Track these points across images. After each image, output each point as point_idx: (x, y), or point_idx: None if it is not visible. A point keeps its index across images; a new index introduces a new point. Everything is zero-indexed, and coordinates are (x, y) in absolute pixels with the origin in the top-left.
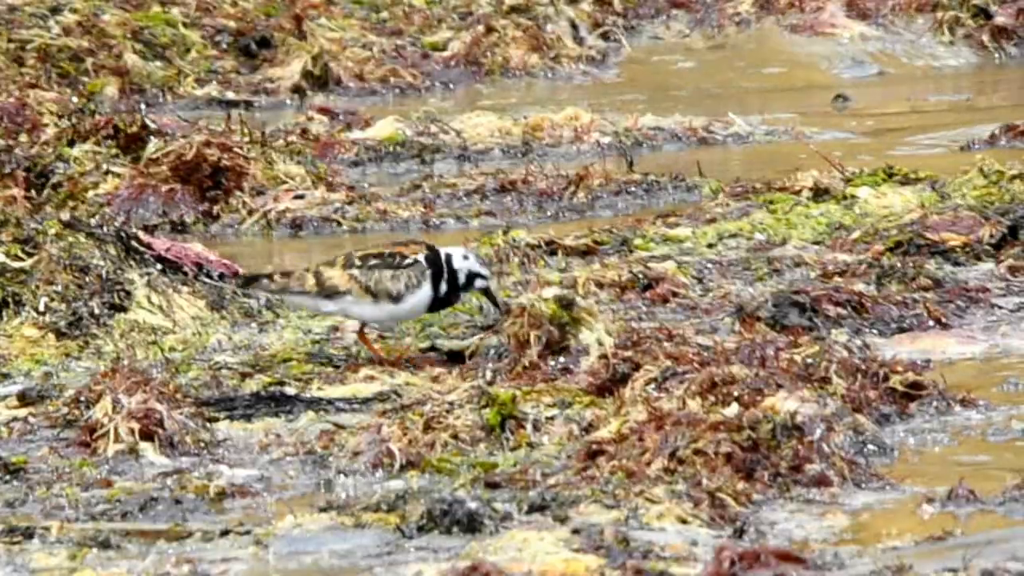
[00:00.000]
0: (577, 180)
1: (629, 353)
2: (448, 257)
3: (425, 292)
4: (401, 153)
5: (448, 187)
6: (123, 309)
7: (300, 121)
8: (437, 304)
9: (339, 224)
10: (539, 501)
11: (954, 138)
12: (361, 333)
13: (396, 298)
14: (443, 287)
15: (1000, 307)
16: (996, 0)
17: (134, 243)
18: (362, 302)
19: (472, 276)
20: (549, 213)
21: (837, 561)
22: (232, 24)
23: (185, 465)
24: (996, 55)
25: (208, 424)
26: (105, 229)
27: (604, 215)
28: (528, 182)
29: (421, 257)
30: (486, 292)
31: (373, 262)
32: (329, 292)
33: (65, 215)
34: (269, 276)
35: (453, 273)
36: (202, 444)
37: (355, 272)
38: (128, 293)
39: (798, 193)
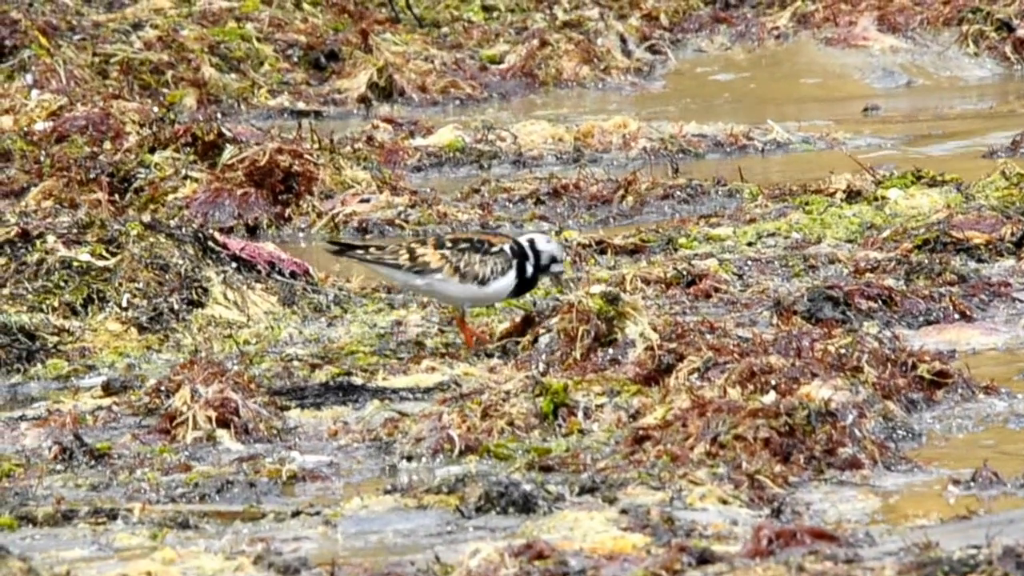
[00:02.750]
0: (625, 185)
1: (673, 345)
2: (532, 241)
3: (509, 279)
4: (460, 159)
5: (504, 191)
6: (201, 305)
7: (366, 129)
8: (519, 290)
9: (403, 227)
10: (589, 483)
11: (978, 144)
12: (460, 320)
13: (483, 281)
14: (529, 270)
15: (1021, 301)
16: (1018, 14)
17: (211, 243)
18: (450, 281)
19: (552, 259)
20: (599, 217)
21: (868, 539)
22: (303, 39)
23: (259, 451)
24: (1018, 66)
25: (280, 412)
26: (184, 230)
27: (651, 218)
28: (579, 187)
29: (507, 247)
30: (558, 276)
31: (463, 245)
32: (421, 268)
33: (146, 217)
34: (364, 247)
35: (537, 255)
36: (275, 431)
37: (447, 252)
38: (205, 290)
39: (832, 195)
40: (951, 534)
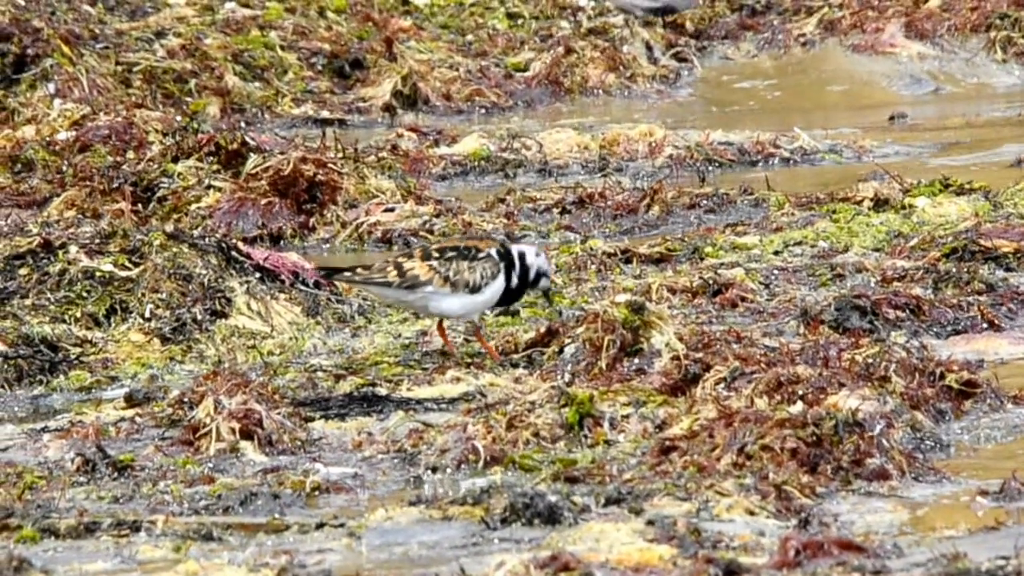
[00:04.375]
0: (651, 194)
1: (700, 354)
2: (522, 254)
3: (499, 284)
4: (485, 168)
5: (530, 201)
6: (224, 315)
7: (390, 138)
8: (507, 298)
9: (427, 237)
10: (615, 494)
11: (1006, 151)
12: (440, 327)
13: (473, 289)
14: (515, 280)
15: None
16: None
17: (234, 253)
18: (440, 292)
19: (540, 275)
20: (625, 227)
21: (896, 550)
22: (327, 47)
23: (283, 462)
24: None
25: (304, 423)
26: (207, 240)
27: (677, 228)
28: (605, 196)
29: (493, 251)
30: (546, 292)
31: (450, 254)
32: (411, 283)
33: (170, 227)
34: (352, 269)
35: (525, 268)
36: (299, 442)
37: (434, 263)
38: (229, 300)
39: (859, 203)
40: (979, 545)
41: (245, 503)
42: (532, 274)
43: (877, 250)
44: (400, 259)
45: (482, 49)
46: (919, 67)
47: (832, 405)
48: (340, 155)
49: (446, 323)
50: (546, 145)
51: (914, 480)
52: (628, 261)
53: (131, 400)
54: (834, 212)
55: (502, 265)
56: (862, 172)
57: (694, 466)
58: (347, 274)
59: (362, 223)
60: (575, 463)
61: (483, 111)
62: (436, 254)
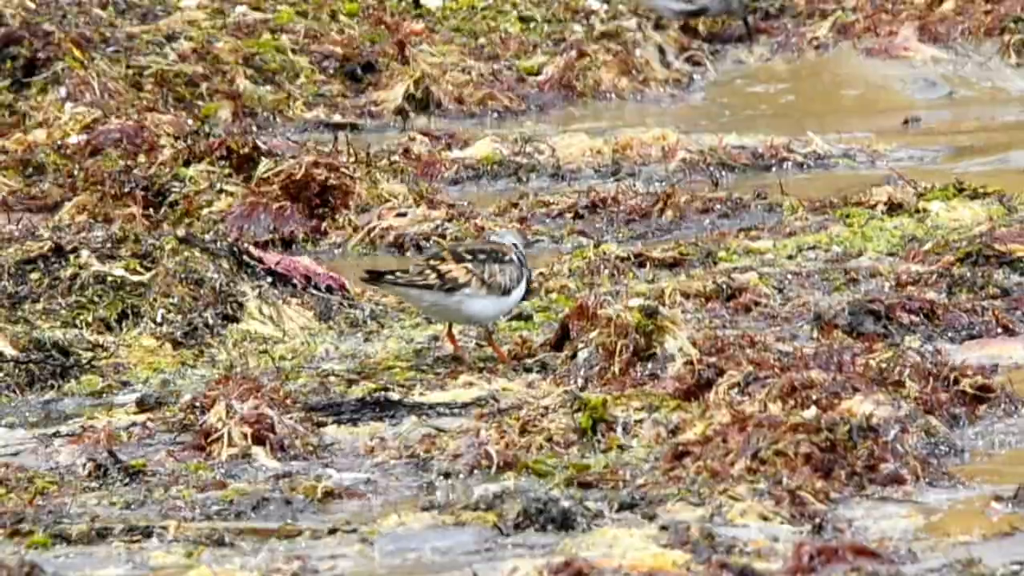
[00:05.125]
0: (664, 198)
1: (713, 359)
2: (522, 255)
3: (523, 286)
4: (498, 172)
5: (543, 205)
6: (236, 320)
7: (403, 142)
8: (523, 299)
9: (439, 242)
10: (629, 500)
11: (1020, 156)
12: (450, 332)
13: (505, 291)
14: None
15: None
16: None
17: (246, 257)
18: (477, 295)
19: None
20: (638, 232)
21: (911, 556)
22: (339, 50)
23: (295, 468)
24: None
25: (316, 428)
26: (219, 244)
27: (690, 232)
28: (618, 200)
29: (514, 255)
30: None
31: (481, 256)
32: (451, 285)
33: (181, 231)
34: (393, 272)
35: (530, 269)
36: (311, 448)
37: (469, 265)
38: (240, 305)
39: (873, 207)
40: (994, 551)
41: (257, 508)
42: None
43: (891, 254)
44: (433, 262)
45: (494, 53)
46: (933, 71)
47: (846, 410)
48: (352, 159)
49: (456, 328)
50: (559, 149)
51: (928, 485)
52: (641, 265)
53: (143, 405)
54: (848, 216)
55: (523, 269)
56: (876, 176)
57: (708, 471)
58: (389, 277)
59: (374, 227)
60: (588, 468)
61: (496, 115)
62: (468, 256)
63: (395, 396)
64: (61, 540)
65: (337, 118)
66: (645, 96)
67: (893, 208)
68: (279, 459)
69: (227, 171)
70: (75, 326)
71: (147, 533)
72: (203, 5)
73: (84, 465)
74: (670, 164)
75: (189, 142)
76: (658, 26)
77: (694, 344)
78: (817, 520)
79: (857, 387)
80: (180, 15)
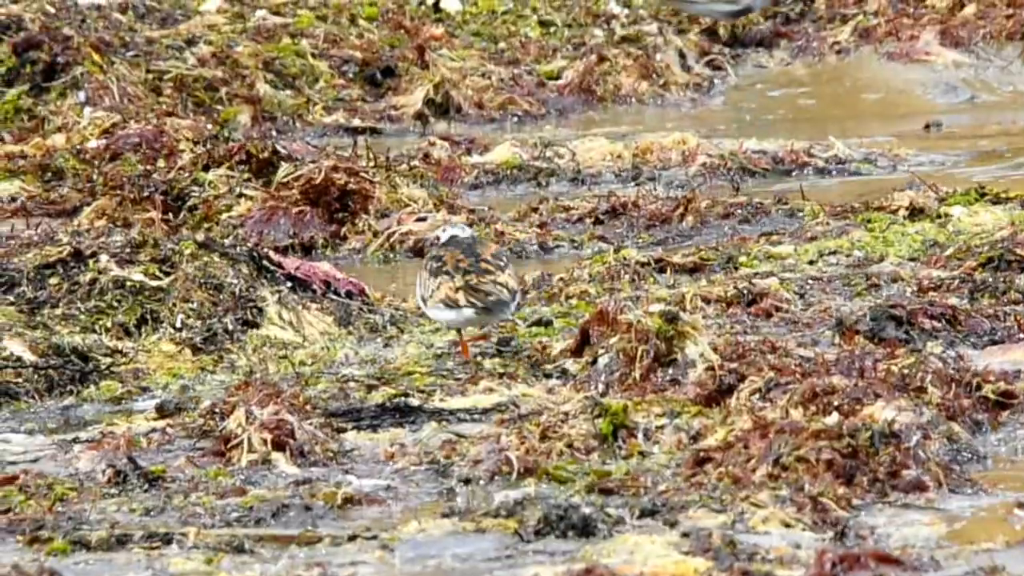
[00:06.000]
0: (685, 203)
1: (734, 365)
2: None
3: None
4: (518, 176)
5: (563, 210)
6: (255, 325)
7: (422, 147)
8: None
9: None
10: (650, 506)
11: None
12: (462, 338)
13: (515, 295)
14: None
15: None
16: None
17: (265, 262)
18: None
19: None
20: (658, 238)
21: (933, 563)
22: (358, 55)
23: (315, 474)
24: None
25: (336, 434)
26: (238, 249)
27: (711, 238)
28: (638, 205)
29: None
30: None
31: (503, 260)
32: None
33: (200, 236)
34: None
35: None
36: (331, 454)
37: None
38: (260, 310)
39: (895, 212)
40: (1017, 558)
41: (277, 515)
42: None
43: (913, 259)
44: (474, 278)
45: (514, 57)
46: (954, 75)
47: (868, 416)
48: (372, 164)
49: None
50: (579, 154)
51: (951, 492)
52: (662, 270)
53: (162, 411)
54: (869, 221)
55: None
56: (897, 181)
57: (729, 477)
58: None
59: (394, 232)
60: (609, 474)
61: (515, 119)
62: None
63: (415, 402)
64: (80, 546)
65: (357, 122)
66: (665, 100)
67: (915, 213)
68: (299, 465)
69: (246, 176)
70: (94, 331)
71: (167, 539)
72: (223, 9)
73: (104, 471)
74: (690, 169)
75: (208, 147)
76: (679, 30)
77: (715, 350)
78: (839, 527)
79: (879, 393)
80: (200, 19)
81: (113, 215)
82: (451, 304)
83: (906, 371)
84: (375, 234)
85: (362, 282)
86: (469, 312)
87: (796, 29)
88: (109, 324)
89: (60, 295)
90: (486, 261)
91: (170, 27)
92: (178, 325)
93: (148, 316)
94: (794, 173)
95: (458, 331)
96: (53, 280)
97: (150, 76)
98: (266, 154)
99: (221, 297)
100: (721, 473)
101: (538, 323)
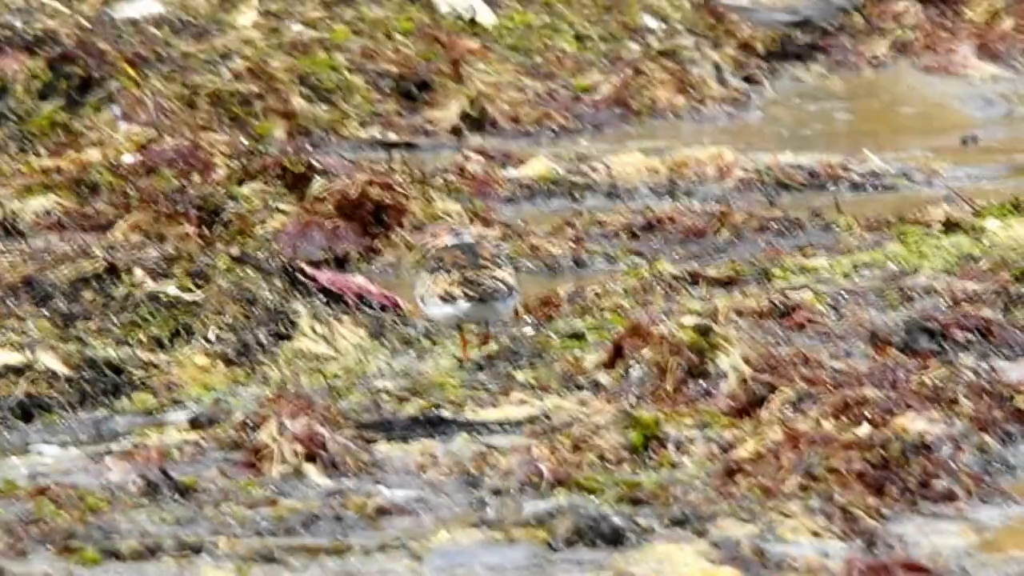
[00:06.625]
0: (720, 217)
1: (767, 376)
2: None
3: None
4: (553, 191)
5: (598, 224)
6: (288, 338)
7: (457, 161)
8: None
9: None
10: (680, 516)
11: None
12: (464, 339)
13: (513, 291)
14: None
15: None
16: None
17: (299, 276)
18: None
19: None
20: (693, 252)
21: (963, 572)
22: (394, 69)
23: (346, 485)
24: None
25: (368, 446)
26: (272, 263)
27: (746, 252)
28: (674, 219)
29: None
30: None
31: (502, 260)
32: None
33: (235, 250)
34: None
35: None
36: (362, 465)
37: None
38: (293, 323)
39: (929, 225)
40: None
41: (308, 525)
42: None
43: (947, 272)
44: (476, 275)
45: (550, 71)
46: (991, 89)
47: (900, 427)
48: (407, 178)
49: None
50: (614, 168)
51: (981, 502)
52: (695, 283)
53: (195, 423)
54: (904, 234)
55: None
56: (933, 195)
57: (759, 488)
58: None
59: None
60: (640, 485)
61: (551, 133)
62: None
63: (447, 414)
64: (111, 556)
65: (392, 136)
66: (701, 114)
67: (949, 226)
68: (330, 476)
69: (281, 190)
70: (128, 344)
71: (197, 549)
72: (258, 24)
73: (135, 482)
74: (726, 183)
75: (243, 161)
76: (715, 44)
77: (747, 361)
78: (869, 536)
79: (911, 404)
80: (235, 34)
81: (148, 229)
82: (448, 298)
83: (938, 383)
84: (409, 248)
85: (396, 295)
86: (465, 305)
87: (833, 43)
88: (143, 337)
89: (94, 308)
90: (484, 259)
91: (205, 41)
92: (211, 338)
93: (181, 329)
94: (830, 187)
95: (459, 330)
96: (87, 294)
97: (185, 91)
98: (301, 168)
99: (254, 310)
100: (751, 484)
101: (572, 336)
